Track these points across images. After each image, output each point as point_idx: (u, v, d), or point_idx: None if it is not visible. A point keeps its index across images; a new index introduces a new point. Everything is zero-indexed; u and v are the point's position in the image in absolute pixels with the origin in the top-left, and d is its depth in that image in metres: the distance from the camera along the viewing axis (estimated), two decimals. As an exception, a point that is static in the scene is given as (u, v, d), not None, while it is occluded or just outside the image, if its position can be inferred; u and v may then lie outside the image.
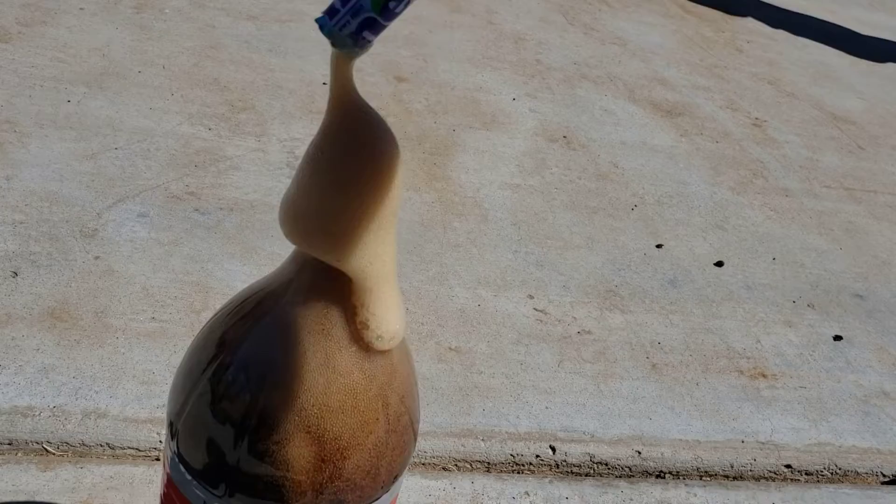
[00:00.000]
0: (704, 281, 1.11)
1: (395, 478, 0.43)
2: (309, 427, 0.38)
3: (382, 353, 0.40)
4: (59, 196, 0.94)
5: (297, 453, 0.39)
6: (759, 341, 1.03)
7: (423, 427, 0.78)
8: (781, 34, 2.18)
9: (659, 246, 1.16)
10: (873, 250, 1.30)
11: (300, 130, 1.18)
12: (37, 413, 0.70)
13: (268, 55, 1.34)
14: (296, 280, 0.40)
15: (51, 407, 0.70)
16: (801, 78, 1.92)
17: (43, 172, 0.97)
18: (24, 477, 0.65)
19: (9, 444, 0.68)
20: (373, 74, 1.39)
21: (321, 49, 1.40)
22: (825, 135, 1.66)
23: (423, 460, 0.76)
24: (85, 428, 0.70)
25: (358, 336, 0.39)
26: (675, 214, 1.24)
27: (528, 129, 1.36)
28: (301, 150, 1.14)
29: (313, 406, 0.38)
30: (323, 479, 0.39)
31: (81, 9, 1.33)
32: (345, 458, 0.39)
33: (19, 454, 0.68)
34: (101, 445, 0.70)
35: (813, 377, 0.99)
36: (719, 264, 1.15)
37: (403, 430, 0.42)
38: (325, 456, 0.39)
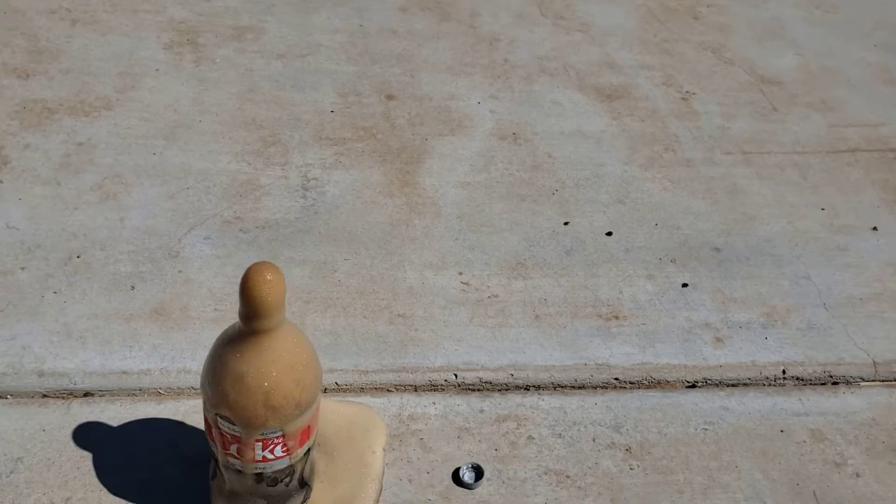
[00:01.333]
0: (594, 248, 1.58)
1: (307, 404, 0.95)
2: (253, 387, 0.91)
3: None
4: (153, 229, 1.49)
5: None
6: (621, 292, 1.50)
7: (373, 365, 1.30)
8: (745, -9, 2.50)
9: (566, 223, 1.62)
10: (745, 208, 1.72)
11: (312, 156, 1.68)
12: (152, 372, 1.26)
13: (291, 91, 1.83)
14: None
15: (159, 368, 1.26)
16: (745, 41, 2.27)
17: (142, 212, 1.52)
18: (147, 408, 1.22)
19: (139, 390, 1.24)
20: (369, 95, 1.86)
21: (330, 78, 1.89)
22: (745, 100, 2.04)
23: (374, 386, 1.29)
24: (179, 379, 1.25)
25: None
26: (587, 195, 1.70)
27: (486, 131, 1.82)
28: (312, 173, 1.64)
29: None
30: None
31: (157, 70, 1.85)
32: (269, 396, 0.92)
33: (145, 396, 1.24)
34: (189, 388, 1.25)
35: (654, 316, 1.46)
36: (609, 234, 1.61)
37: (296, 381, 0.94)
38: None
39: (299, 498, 1.07)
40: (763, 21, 2.38)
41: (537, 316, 1.44)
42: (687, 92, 2.03)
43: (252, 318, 0.89)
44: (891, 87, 2.18)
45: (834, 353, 1.45)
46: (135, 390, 1.24)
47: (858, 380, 1.43)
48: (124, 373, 1.25)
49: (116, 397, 1.23)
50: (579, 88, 1.99)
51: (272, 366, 0.92)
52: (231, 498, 1.04)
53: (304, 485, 1.07)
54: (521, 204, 1.65)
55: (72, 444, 1.16)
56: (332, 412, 1.21)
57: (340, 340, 1.35)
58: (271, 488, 1.02)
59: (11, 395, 1.22)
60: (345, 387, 1.29)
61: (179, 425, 1.20)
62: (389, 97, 1.87)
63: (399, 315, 1.40)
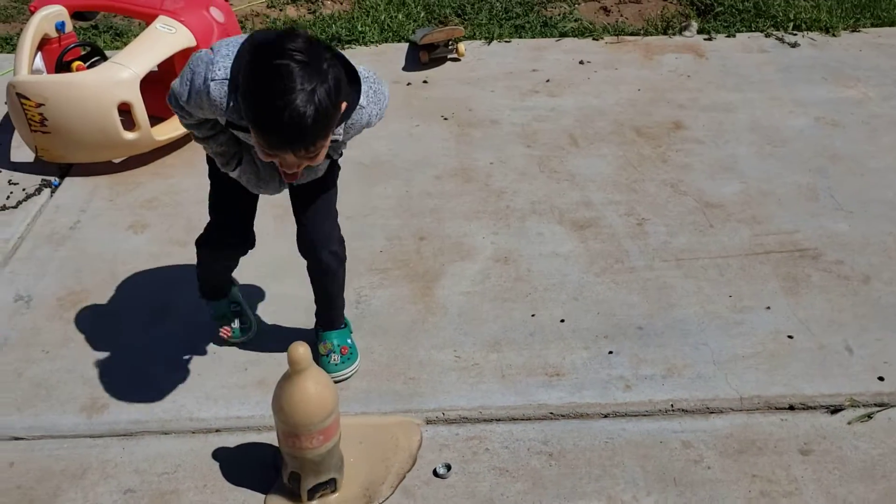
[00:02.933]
0: (550, 331, 2.29)
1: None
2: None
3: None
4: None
5: (296, 410, 1.69)
6: (564, 359, 2.20)
7: (389, 409, 2.05)
8: (711, 137, 3.22)
9: (533, 315, 2.35)
10: (669, 299, 2.40)
11: (365, 281, 2.49)
12: (255, 417, 2.06)
13: (354, 240, 2.66)
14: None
15: (260, 414, 2.06)
16: (700, 176, 2.98)
17: (253, 324, 2.37)
18: (251, 436, 2.01)
19: (247, 427, 2.03)
20: (407, 239, 2.68)
21: (381, 230, 2.72)
22: (689, 221, 2.74)
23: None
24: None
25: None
26: (552, 296, 2.42)
27: (486, 256, 2.59)
28: (364, 292, 2.45)
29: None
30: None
31: (266, 232, 2.75)
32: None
33: (251, 431, 2.03)
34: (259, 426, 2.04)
35: (584, 373, 2.15)
36: (562, 321, 2.32)
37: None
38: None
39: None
40: (720, 158, 3.08)
41: (504, 376, 2.15)
42: (643, 219, 2.75)
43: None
44: (812, 202, 2.82)
45: (712, 392, 2.09)
46: (244, 428, 2.03)
47: (728, 409, 2.06)
48: (238, 417, 2.05)
49: (232, 432, 2.02)
50: (559, 222, 2.74)
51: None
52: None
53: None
54: (503, 304, 2.40)
55: (209, 458, 1.96)
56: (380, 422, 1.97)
57: (371, 396, 2.11)
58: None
59: (174, 432, 2.04)
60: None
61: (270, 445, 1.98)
62: (421, 238, 2.68)
63: (411, 378, 2.15)
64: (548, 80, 3.68)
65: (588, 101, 3.51)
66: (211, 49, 1.73)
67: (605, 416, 2.05)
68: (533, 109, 3.45)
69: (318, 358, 2.17)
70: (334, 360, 2.15)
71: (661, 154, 3.13)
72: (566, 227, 2.73)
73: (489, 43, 4.06)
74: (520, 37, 4.10)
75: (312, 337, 2.21)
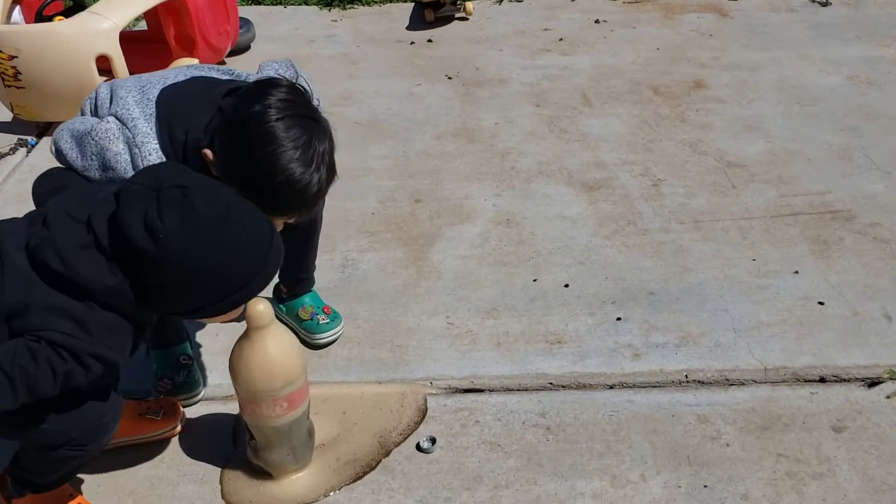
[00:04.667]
0: (553, 296, 2.08)
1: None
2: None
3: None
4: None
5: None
6: (566, 325, 1.99)
7: (371, 378, 1.85)
8: (734, 96, 2.98)
9: (535, 280, 2.14)
10: (684, 262, 2.17)
11: (353, 245, 2.29)
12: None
13: (345, 201, 2.46)
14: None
15: (228, 383, 1.88)
16: (722, 135, 2.75)
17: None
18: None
19: (215, 397, 1.85)
20: (401, 201, 2.48)
21: (375, 191, 2.52)
22: (710, 181, 2.51)
23: (372, 393, 1.84)
24: (240, 389, 1.85)
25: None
26: (557, 260, 2.21)
27: (487, 219, 2.38)
28: (351, 255, 2.25)
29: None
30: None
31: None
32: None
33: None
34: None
35: (588, 341, 1.94)
36: (566, 286, 2.11)
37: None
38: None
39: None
40: (744, 117, 2.85)
41: (499, 343, 1.95)
42: (659, 179, 2.53)
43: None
44: (845, 162, 2.58)
45: (732, 362, 1.87)
46: (209, 398, 1.84)
47: (750, 381, 1.83)
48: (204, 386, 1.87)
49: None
50: (568, 184, 2.53)
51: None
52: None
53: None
54: (503, 268, 2.19)
55: (169, 429, 1.77)
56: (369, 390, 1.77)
57: (352, 364, 1.91)
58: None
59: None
60: (352, 393, 1.84)
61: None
62: (417, 200, 2.48)
63: (397, 346, 1.95)
64: (560, 39, 3.47)
65: (603, 59, 3.29)
66: (116, 118, 1.52)
67: (611, 388, 1.83)
68: (544, 68, 3.24)
69: (296, 326, 1.98)
70: (321, 319, 1.95)
71: (679, 113, 2.90)
72: (575, 188, 2.51)
73: (500, 2, 3.84)
74: (531, -3, 3.88)
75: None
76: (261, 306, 1.48)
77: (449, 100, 3.04)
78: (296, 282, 1.98)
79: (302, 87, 1.53)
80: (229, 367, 1.54)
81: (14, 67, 2.69)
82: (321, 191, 1.50)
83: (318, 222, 1.89)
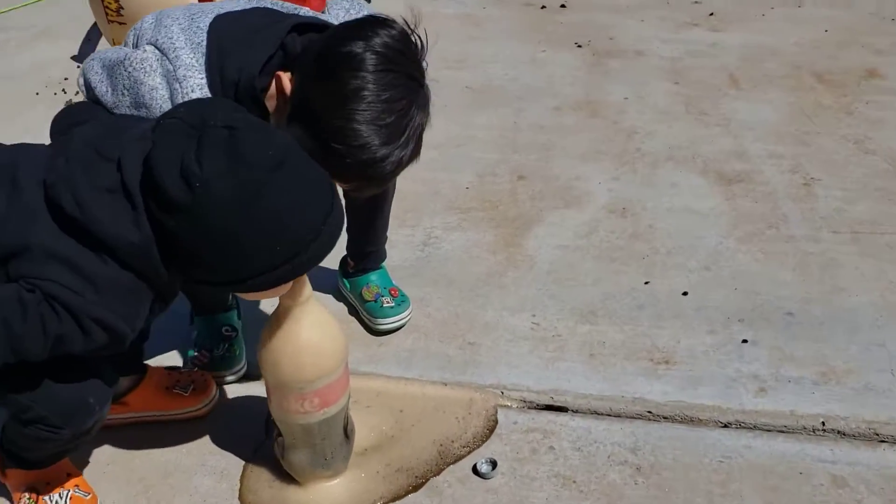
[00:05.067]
0: (665, 305, 1.73)
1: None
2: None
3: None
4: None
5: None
6: (679, 342, 1.63)
7: (434, 376, 1.56)
8: (914, 89, 2.51)
9: (646, 283, 1.79)
10: (835, 280, 1.77)
11: (439, 221, 2.01)
12: (266, 365, 1.62)
13: (438, 172, 2.19)
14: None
15: (272, 363, 1.62)
16: (894, 134, 2.29)
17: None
18: (258, 390, 1.58)
19: (255, 377, 1.60)
20: (502, 176, 2.17)
21: (474, 163, 2.23)
22: (875, 186, 2.08)
23: (433, 395, 1.55)
24: (284, 372, 1.60)
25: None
26: (675, 261, 1.85)
27: (598, 205, 2.05)
28: (435, 233, 1.97)
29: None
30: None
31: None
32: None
33: (258, 382, 1.60)
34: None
35: (704, 364, 1.58)
36: (685, 294, 1.75)
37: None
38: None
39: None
40: (925, 116, 2.38)
41: (592, 354, 1.62)
42: (812, 178, 2.11)
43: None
44: None
45: (886, 412, 1.47)
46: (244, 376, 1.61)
47: (908, 441, 1.44)
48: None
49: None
50: (701, 173, 2.15)
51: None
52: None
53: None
54: (609, 265, 1.85)
55: (198, 409, 1.54)
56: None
57: (414, 357, 1.63)
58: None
59: (169, 373, 1.64)
60: (410, 392, 1.56)
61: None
62: (520, 177, 2.17)
63: (469, 343, 1.66)
64: (711, 14, 3.05)
65: (758, 39, 2.86)
66: (155, 47, 1.28)
67: (725, 426, 1.48)
68: (688, 43, 2.84)
69: (359, 307, 1.71)
70: (386, 302, 1.68)
71: (845, 105, 2.45)
72: (709, 179, 2.13)
73: (646, -29, 3.45)
74: (685, -34, 3.47)
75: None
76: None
77: (575, 69, 2.70)
78: (362, 255, 1.71)
79: (418, 38, 1.25)
80: (257, 351, 1.29)
81: (117, 2, 2.54)
82: (398, 170, 1.23)
83: (389, 189, 1.62)
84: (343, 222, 1.14)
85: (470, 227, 1.99)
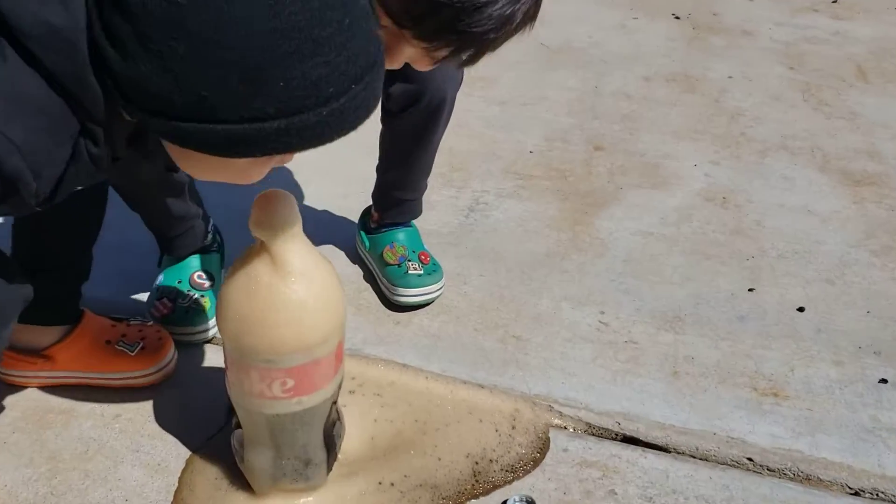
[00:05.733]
0: (775, 320, 1.31)
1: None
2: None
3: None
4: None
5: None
6: (792, 370, 1.22)
7: (464, 375, 1.17)
8: None
9: (751, 290, 1.38)
10: None
11: (491, 185, 1.62)
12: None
13: (497, 131, 1.80)
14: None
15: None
16: None
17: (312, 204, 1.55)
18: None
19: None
20: (576, 144, 1.77)
21: (543, 126, 1.83)
22: None
23: (457, 398, 1.16)
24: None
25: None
26: (788, 267, 1.44)
27: (692, 190, 1.64)
28: (485, 198, 1.58)
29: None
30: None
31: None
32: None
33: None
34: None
35: (827, 405, 1.16)
36: (801, 309, 1.34)
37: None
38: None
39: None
40: None
41: (675, 372, 1.21)
42: (964, 190, 1.68)
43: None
44: None
45: None
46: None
47: None
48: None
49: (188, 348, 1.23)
50: (821, 169, 1.73)
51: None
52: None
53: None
54: (704, 263, 1.44)
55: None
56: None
57: (439, 348, 1.23)
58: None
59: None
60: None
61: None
62: (598, 148, 1.76)
63: (514, 336, 1.26)
64: (834, 1, 2.62)
65: (891, 32, 2.42)
66: None
67: (855, 494, 1.06)
68: (806, 28, 2.41)
69: (377, 271, 1.33)
70: (413, 268, 1.29)
71: None
72: (832, 177, 1.71)
73: (759, -49, 3.02)
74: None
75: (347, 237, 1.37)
76: (273, 198, 0.83)
77: (671, 40, 2.29)
78: (392, 203, 1.33)
79: None
80: (216, 306, 0.91)
81: None
82: (504, 28, 0.82)
83: (442, 113, 1.23)
84: (381, 77, 0.74)
85: (529, 197, 1.59)
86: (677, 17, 2.43)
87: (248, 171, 0.75)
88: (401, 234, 1.32)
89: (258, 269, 0.85)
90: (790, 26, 2.43)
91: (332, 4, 0.66)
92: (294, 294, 0.85)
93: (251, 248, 0.86)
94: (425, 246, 1.35)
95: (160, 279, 1.25)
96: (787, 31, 2.39)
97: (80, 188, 0.78)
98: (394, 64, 0.86)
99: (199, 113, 0.66)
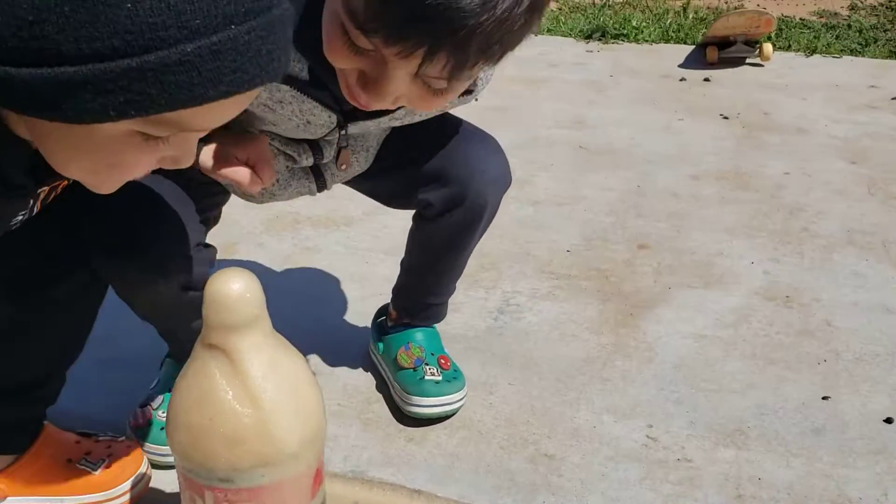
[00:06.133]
0: (858, 434, 1.11)
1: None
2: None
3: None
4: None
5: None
6: (885, 495, 1.00)
7: (484, 502, 0.99)
8: None
9: (825, 398, 1.18)
10: None
11: (524, 285, 1.46)
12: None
13: (531, 230, 1.66)
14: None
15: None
16: None
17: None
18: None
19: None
20: (617, 243, 1.62)
21: (581, 225, 1.69)
22: None
23: None
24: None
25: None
26: (868, 372, 1.23)
27: (750, 289, 1.46)
28: (516, 300, 1.42)
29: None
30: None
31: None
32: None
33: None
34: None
35: (934, 537, 0.94)
36: (888, 420, 1.13)
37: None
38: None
39: None
40: None
41: (739, 496, 1.00)
42: None
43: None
44: None
45: None
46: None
47: None
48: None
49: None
50: (895, 265, 1.54)
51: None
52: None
53: None
54: (769, 368, 1.24)
55: (120, 502, 1.01)
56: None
57: (457, 465, 1.05)
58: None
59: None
60: (440, 519, 0.98)
61: None
62: (642, 246, 1.60)
63: (546, 455, 1.07)
64: (894, 98, 2.47)
65: (961, 126, 2.26)
66: None
67: None
68: (866, 125, 2.26)
69: (389, 377, 1.17)
70: (430, 373, 1.13)
71: None
72: (909, 272, 1.52)
73: (810, 54, 2.91)
74: (858, 54, 2.92)
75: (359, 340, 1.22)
76: (227, 279, 0.69)
77: (720, 139, 2.16)
78: (413, 305, 1.17)
79: None
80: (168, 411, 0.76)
81: None
82: (486, 24, 0.66)
83: (482, 219, 1.07)
84: (279, 58, 0.57)
85: (566, 298, 1.43)
86: (725, 118, 2.31)
87: (122, 154, 0.57)
88: (419, 335, 1.16)
89: (211, 369, 0.70)
90: (849, 123, 2.28)
91: None
92: (256, 397, 0.70)
93: (202, 339, 0.71)
94: (446, 350, 1.19)
95: (154, 382, 1.11)
96: (845, 128, 2.24)
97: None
98: (383, 98, 0.73)
99: (28, 50, 0.50)
